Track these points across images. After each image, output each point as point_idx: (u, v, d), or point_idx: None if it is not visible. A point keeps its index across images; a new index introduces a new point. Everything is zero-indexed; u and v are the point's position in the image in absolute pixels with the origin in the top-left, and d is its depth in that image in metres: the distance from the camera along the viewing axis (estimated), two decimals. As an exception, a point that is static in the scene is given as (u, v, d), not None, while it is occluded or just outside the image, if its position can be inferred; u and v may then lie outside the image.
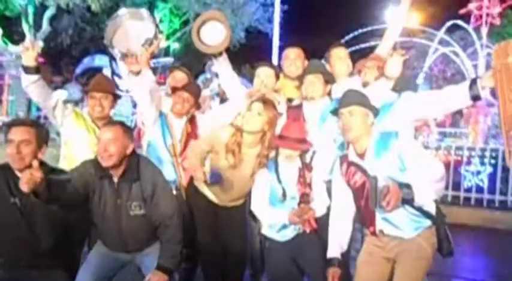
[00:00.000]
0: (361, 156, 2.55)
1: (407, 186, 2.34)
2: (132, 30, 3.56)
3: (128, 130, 2.73)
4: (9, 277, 2.56)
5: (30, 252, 2.56)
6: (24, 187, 2.21)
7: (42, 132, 2.60)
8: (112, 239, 2.79)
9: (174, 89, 3.48)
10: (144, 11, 3.62)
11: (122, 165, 2.67)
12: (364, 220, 2.61)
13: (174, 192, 3.19)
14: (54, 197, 2.41)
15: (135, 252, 2.85)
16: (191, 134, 3.44)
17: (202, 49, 3.34)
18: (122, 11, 3.57)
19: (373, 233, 2.55)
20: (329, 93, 3.31)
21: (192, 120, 3.48)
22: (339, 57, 3.47)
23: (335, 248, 2.68)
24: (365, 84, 3.08)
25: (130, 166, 2.71)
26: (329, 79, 3.26)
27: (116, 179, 2.70)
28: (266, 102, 2.98)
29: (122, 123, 2.78)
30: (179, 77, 3.73)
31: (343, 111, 2.57)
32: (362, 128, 2.53)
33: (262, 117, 2.94)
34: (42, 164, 2.56)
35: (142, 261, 2.87)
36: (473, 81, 2.55)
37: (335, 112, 2.67)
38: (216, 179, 3.05)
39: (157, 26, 3.60)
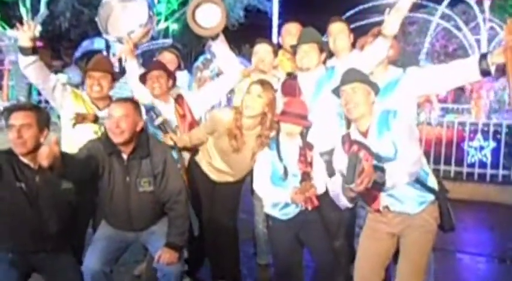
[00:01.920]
0: (364, 134, 2.54)
1: (382, 170, 2.35)
2: (124, 13, 3.51)
3: (138, 107, 2.78)
4: (18, 260, 2.59)
5: (37, 236, 2.59)
6: (44, 161, 2.25)
7: (42, 116, 2.60)
8: (119, 217, 2.81)
9: (156, 80, 3.32)
10: None
11: (132, 141, 2.71)
12: (367, 197, 2.59)
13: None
14: (68, 172, 2.44)
15: (141, 230, 2.87)
16: (184, 115, 3.38)
17: (198, 32, 3.32)
18: None
19: (377, 210, 2.56)
20: (324, 62, 3.26)
21: (180, 102, 3.41)
22: (337, 32, 3.39)
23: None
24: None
25: (140, 142, 2.74)
26: (324, 47, 3.21)
27: (125, 156, 2.73)
28: (264, 84, 2.98)
29: (132, 100, 2.82)
30: (168, 58, 3.69)
31: (346, 88, 2.55)
32: (365, 105, 2.52)
33: (262, 99, 2.95)
34: None
35: (147, 239, 2.90)
36: (483, 56, 2.52)
37: (336, 91, 2.65)
38: None
39: (149, 6, 3.55)
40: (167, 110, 3.35)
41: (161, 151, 2.82)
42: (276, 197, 2.94)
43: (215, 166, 3.20)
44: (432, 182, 2.57)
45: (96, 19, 3.49)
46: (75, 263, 2.76)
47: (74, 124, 3.09)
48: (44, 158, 2.25)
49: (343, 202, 2.66)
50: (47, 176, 2.49)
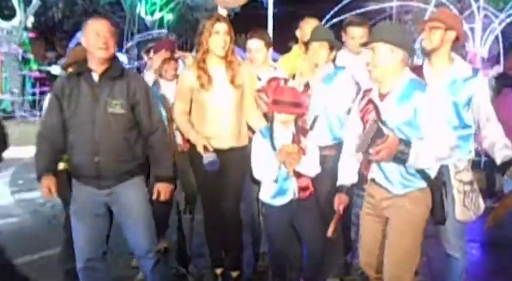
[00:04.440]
0: (382, 97, 2.48)
1: (407, 144, 2.29)
2: None
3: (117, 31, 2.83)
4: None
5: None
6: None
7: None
8: (84, 152, 2.66)
9: (165, 60, 3.57)
10: None
11: (107, 62, 2.68)
12: (362, 162, 2.61)
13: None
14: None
15: (112, 185, 2.71)
16: None
17: (223, 3, 3.43)
18: None
19: (366, 180, 2.59)
20: (334, 60, 3.31)
21: None
22: (351, 37, 3.51)
23: (344, 176, 2.70)
24: (432, 51, 2.73)
25: (113, 63, 2.70)
26: (335, 46, 3.24)
27: (96, 76, 2.67)
28: (223, 19, 3.12)
29: (112, 21, 2.82)
30: None
31: (368, 48, 2.49)
32: (386, 67, 2.43)
33: (229, 36, 3.10)
34: None
35: (117, 199, 2.74)
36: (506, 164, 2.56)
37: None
38: (213, 166, 2.98)
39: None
40: (169, 88, 3.57)
41: (140, 80, 2.85)
42: (272, 186, 2.97)
43: (207, 135, 3.13)
44: (430, 169, 2.49)
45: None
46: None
47: None
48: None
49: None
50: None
